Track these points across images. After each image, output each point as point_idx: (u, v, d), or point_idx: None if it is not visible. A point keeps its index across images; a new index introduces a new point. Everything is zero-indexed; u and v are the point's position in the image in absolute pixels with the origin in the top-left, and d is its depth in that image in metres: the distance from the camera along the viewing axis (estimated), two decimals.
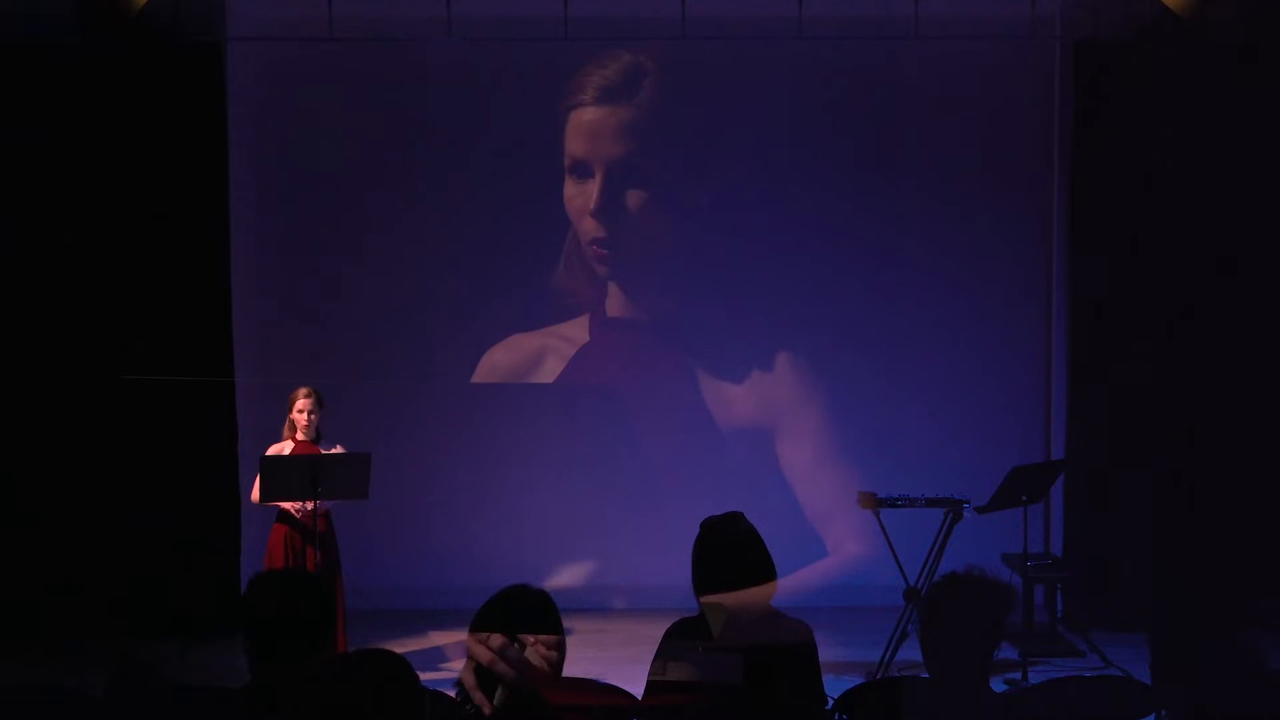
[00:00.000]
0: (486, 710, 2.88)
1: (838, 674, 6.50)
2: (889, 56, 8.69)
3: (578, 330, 8.92)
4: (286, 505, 7.09)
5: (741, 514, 3.87)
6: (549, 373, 8.90)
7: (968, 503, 7.42)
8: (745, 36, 8.58)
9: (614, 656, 7.24)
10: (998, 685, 6.20)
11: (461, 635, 2.99)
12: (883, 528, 7.36)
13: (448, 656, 7.54)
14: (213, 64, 8.39)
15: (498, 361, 8.91)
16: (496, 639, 2.90)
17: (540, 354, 8.92)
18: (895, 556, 7.33)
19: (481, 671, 2.91)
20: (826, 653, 3.95)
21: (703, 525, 3.83)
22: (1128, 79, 8.34)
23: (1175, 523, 8.24)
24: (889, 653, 7.17)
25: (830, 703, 3.87)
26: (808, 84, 8.75)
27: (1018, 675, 7.07)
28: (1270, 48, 8.11)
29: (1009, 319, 8.89)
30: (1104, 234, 8.48)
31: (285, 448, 7.13)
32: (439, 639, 7.95)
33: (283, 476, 6.89)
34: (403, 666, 2.91)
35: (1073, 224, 8.68)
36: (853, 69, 8.77)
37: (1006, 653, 7.31)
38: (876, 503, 7.42)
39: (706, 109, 8.80)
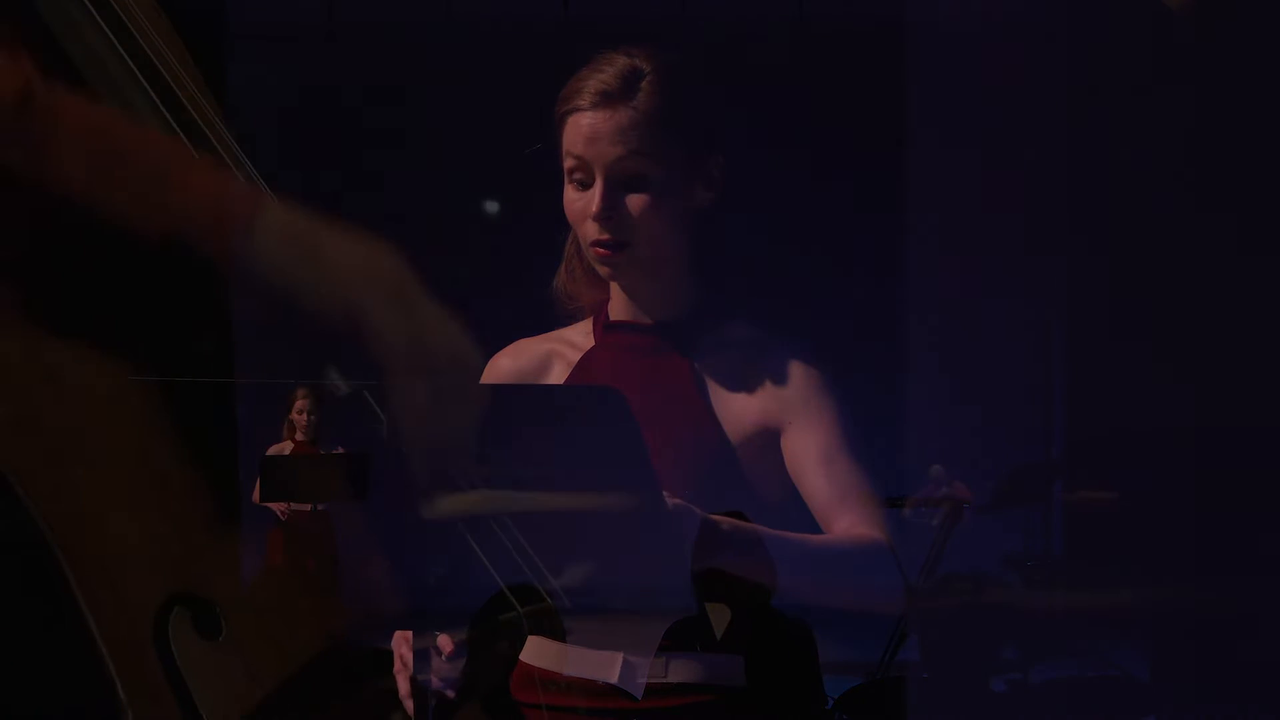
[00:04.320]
0: (408, 708, 2.90)
1: (837, 674, 6.50)
2: (889, 56, 8.68)
3: (581, 335, 8.87)
4: (274, 506, 7.07)
5: (742, 514, 3.85)
6: (556, 378, 8.86)
7: (968, 503, 7.41)
8: (745, 36, 8.59)
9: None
10: (998, 685, 6.20)
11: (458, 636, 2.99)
12: (883, 528, 7.36)
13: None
14: (213, 64, 8.40)
15: (503, 368, 8.84)
16: (400, 637, 2.95)
17: (546, 360, 8.86)
18: (895, 556, 7.33)
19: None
20: (826, 653, 3.94)
21: (703, 525, 3.82)
22: (1128, 77, 8.33)
23: (1175, 522, 8.23)
24: (889, 653, 7.16)
25: (830, 703, 3.87)
26: (809, 83, 8.76)
27: (1018, 675, 7.07)
28: (1270, 46, 8.10)
29: (1010, 318, 8.90)
30: (1105, 233, 8.47)
31: (285, 448, 7.13)
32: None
33: (282, 476, 6.88)
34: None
35: (1074, 223, 8.68)
36: (853, 68, 8.77)
37: (1006, 653, 7.30)
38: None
39: (708, 109, 8.77)
